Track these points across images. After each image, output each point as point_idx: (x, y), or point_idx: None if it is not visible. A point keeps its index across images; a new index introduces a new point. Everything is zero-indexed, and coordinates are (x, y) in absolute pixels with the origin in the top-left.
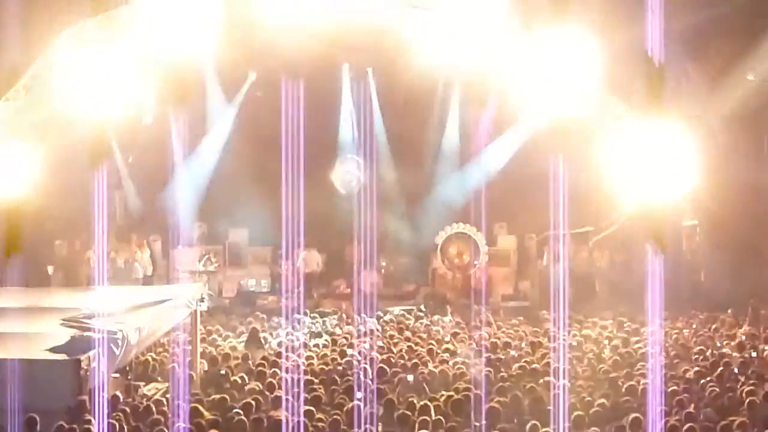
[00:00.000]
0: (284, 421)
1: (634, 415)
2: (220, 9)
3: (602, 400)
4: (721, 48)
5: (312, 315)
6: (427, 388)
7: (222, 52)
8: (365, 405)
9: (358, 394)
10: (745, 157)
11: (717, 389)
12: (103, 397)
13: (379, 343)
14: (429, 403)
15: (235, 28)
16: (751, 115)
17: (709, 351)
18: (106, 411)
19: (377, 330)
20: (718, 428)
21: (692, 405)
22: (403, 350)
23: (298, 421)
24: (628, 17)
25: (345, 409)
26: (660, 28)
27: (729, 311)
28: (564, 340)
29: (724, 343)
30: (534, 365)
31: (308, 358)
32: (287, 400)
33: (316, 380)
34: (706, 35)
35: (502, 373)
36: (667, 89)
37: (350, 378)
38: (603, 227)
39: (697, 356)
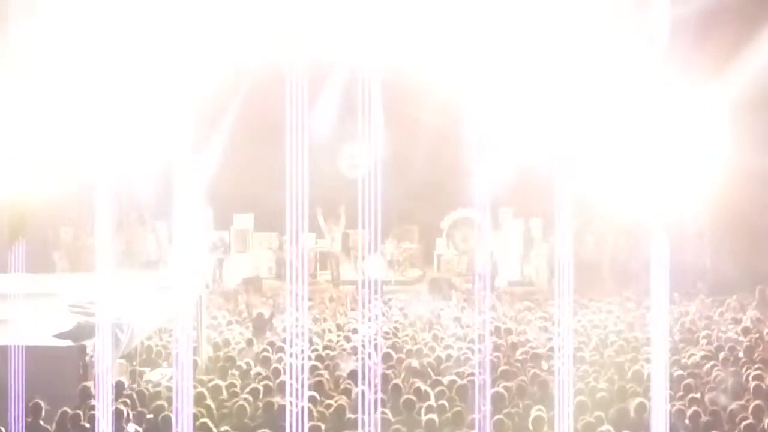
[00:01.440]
0: (288, 406)
1: (639, 399)
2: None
3: (607, 385)
4: (728, 33)
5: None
6: (432, 373)
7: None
8: (370, 390)
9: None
10: (751, 143)
11: (722, 374)
12: (107, 382)
13: (385, 328)
14: (431, 390)
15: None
16: (758, 100)
17: (715, 335)
18: (110, 396)
19: (383, 315)
20: (725, 413)
21: (698, 390)
22: (408, 335)
23: (303, 407)
24: (633, 6)
25: (350, 394)
26: (663, 16)
27: (734, 296)
28: (569, 324)
29: (730, 327)
30: (539, 350)
31: (314, 343)
32: (291, 385)
33: (321, 365)
34: (712, 21)
35: (507, 358)
36: (673, 76)
37: (355, 363)
38: (606, 212)
39: (702, 341)
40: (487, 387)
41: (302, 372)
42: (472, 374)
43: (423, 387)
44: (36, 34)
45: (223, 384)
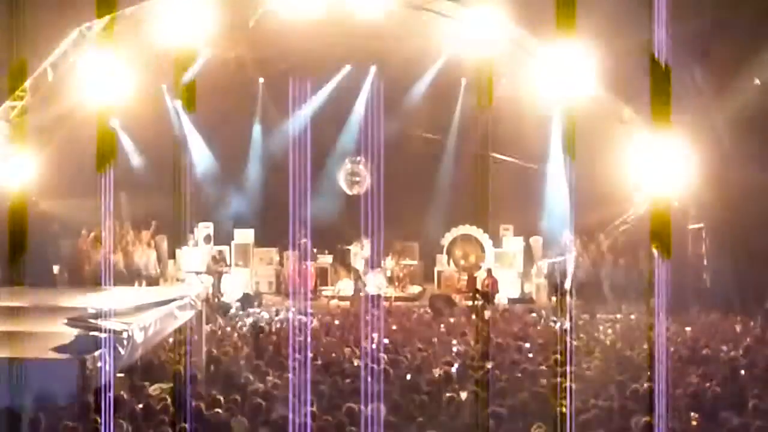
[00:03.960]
0: (291, 421)
1: (641, 418)
2: (225, 12)
3: (607, 403)
4: (727, 52)
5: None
6: (431, 390)
7: (229, 54)
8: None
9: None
10: (751, 161)
11: (722, 393)
12: (108, 396)
13: (386, 340)
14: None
15: (241, 30)
16: (757, 118)
17: (716, 354)
18: (111, 411)
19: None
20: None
21: (698, 408)
22: (408, 351)
23: (304, 422)
24: (634, 21)
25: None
26: (666, 32)
27: (736, 315)
28: (570, 342)
29: (731, 345)
30: (540, 367)
31: (314, 359)
32: (292, 399)
33: (321, 381)
34: (712, 39)
35: (507, 375)
36: (674, 93)
37: (354, 380)
38: (609, 228)
39: (702, 360)
40: (487, 404)
41: (305, 386)
42: (473, 391)
43: (423, 402)
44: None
45: (222, 398)
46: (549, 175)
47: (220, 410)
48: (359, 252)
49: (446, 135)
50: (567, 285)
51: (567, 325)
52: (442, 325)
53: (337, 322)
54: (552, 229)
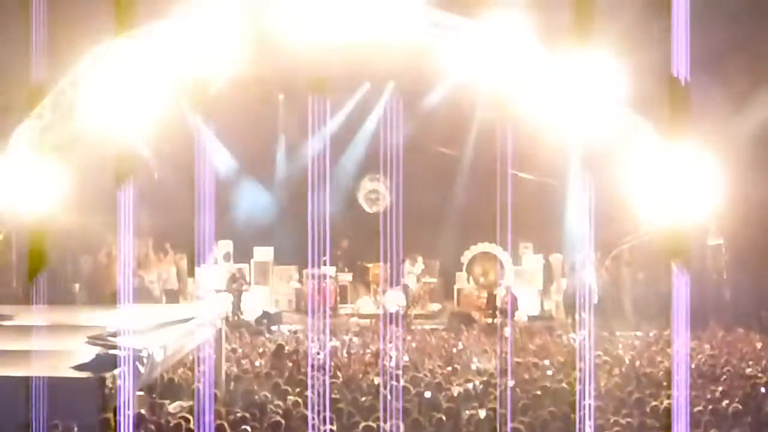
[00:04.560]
0: None
1: None
2: (247, 28)
3: (627, 420)
4: (746, 67)
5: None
6: (452, 407)
7: (249, 71)
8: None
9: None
10: None
11: (743, 409)
12: (128, 415)
13: (405, 357)
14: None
15: (262, 46)
16: None
17: (736, 371)
18: (131, 429)
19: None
20: None
21: (718, 426)
22: (428, 369)
23: None
24: (653, 37)
25: (370, 428)
26: (686, 48)
27: (756, 333)
28: (590, 359)
29: (750, 363)
30: (560, 384)
31: (333, 376)
32: (312, 418)
33: (341, 399)
34: (730, 55)
35: (527, 393)
36: (692, 109)
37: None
38: (627, 245)
39: (722, 376)
40: (508, 422)
41: (324, 404)
42: (492, 409)
43: (442, 420)
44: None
45: (241, 416)
46: (567, 191)
47: (240, 428)
48: (412, 270)
49: (464, 151)
50: (592, 300)
51: (587, 342)
52: (461, 343)
53: (356, 339)
54: (571, 245)
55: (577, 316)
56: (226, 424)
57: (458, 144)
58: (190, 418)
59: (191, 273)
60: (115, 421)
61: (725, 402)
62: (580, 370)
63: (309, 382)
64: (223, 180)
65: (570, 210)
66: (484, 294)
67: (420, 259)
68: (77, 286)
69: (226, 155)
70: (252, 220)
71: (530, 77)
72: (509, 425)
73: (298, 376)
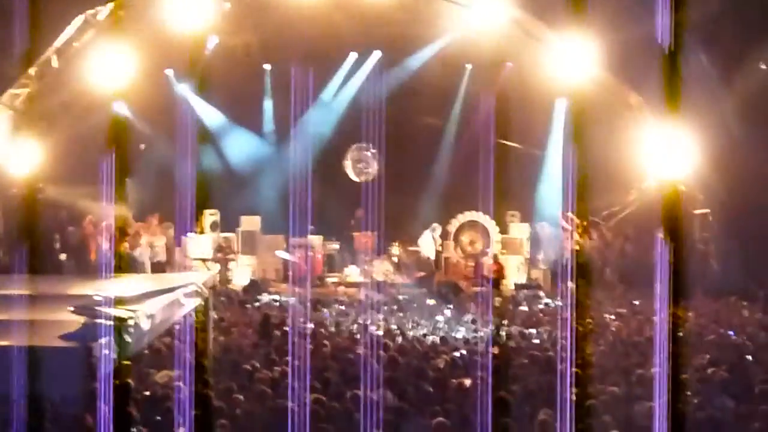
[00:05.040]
0: (290, 409)
1: (644, 404)
2: None
3: (613, 389)
4: (735, 37)
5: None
6: (438, 377)
7: (235, 40)
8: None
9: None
10: (757, 147)
11: (729, 378)
12: (114, 384)
13: (393, 326)
14: (438, 393)
15: (248, 15)
16: (764, 104)
17: (722, 340)
18: (117, 398)
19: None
20: (732, 417)
21: (704, 394)
22: (415, 338)
23: (307, 411)
24: (643, 7)
25: (356, 397)
26: (671, 18)
27: (742, 301)
28: (576, 328)
29: (737, 331)
30: (547, 353)
31: (321, 346)
32: (293, 389)
33: (327, 368)
34: (719, 24)
35: (513, 362)
36: (681, 79)
37: (360, 366)
38: (613, 213)
39: (709, 345)
40: (493, 390)
41: (305, 374)
42: (479, 378)
43: (430, 390)
44: None
45: (228, 386)
46: (553, 160)
47: (227, 398)
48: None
49: (451, 121)
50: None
51: (570, 310)
52: (448, 312)
53: (343, 308)
54: (555, 214)
55: (561, 285)
56: (212, 394)
57: (444, 113)
58: (182, 386)
59: (178, 242)
60: (102, 391)
61: (711, 370)
62: (564, 338)
63: (294, 351)
64: (210, 147)
65: (554, 179)
66: (471, 263)
67: (438, 227)
68: (64, 256)
69: (214, 113)
70: (239, 190)
71: (518, 46)
72: (496, 394)
73: (286, 346)
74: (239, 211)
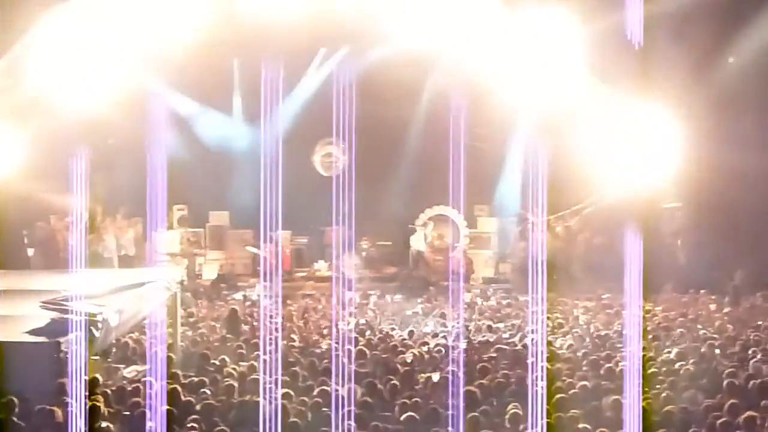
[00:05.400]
0: (261, 404)
1: (613, 397)
2: None
3: (582, 382)
4: (704, 31)
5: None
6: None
7: (203, 36)
8: (344, 387)
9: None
10: (726, 140)
11: (697, 371)
12: (82, 379)
13: (362, 320)
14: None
15: (217, 11)
16: (732, 98)
17: (690, 333)
18: (85, 393)
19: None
20: (700, 410)
21: (673, 387)
22: (383, 333)
23: (277, 405)
24: (613, 1)
25: (325, 392)
26: (640, 12)
27: (711, 294)
28: (545, 322)
29: (705, 324)
30: (515, 347)
31: (290, 339)
32: (265, 382)
33: (296, 363)
34: (688, 18)
35: (482, 355)
36: (650, 72)
37: (330, 361)
38: (582, 208)
39: (677, 338)
40: (463, 384)
41: (276, 368)
42: (448, 371)
43: (398, 384)
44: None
45: (197, 380)
46: (521, 155)
47: (195, 392)
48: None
49: (419, 115)
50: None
51: (539, 305)
52: (417, 306)
53: (312, 303)
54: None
55: (531, 280)
56: (180, 389)
57: (414, 108)
58: (152, 381)
59: (146, 237)
60: (71, 386)
61: (679, 364)
62: (533, 332)
63: (263, 346)
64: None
65: (523, 173)
66: (440, 257)
67: (431, 224)
68: (32, 251)
69: (186, 100)
70: (207, 185)
71: (487, 40)
72: (465, 387)
73: (254, 340)
74: (208, 206)
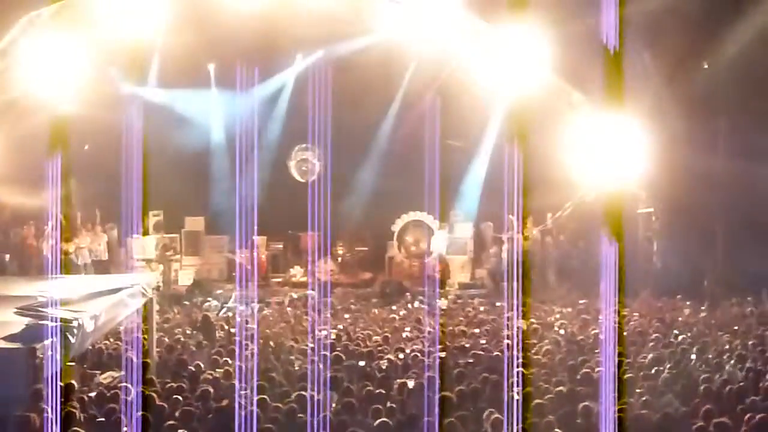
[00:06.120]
0: (237, 409)
1: (588, 402)
2: None
3: (558, 388)
4: (678, 36)
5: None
6: (383, 376)
7: (179, 41)
8: (318, 393)
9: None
10: (699, 145)
11: (673, 376)
12: (58, 385)
13: (340, 326)
14: (382, 393)
15: (191, 15)
16: (705, 103)
17: (666, 338)
18: (61, 400)
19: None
20: (675, 415)
21: (648, 392)
22: (359, 338)
23: (251, 410)
24: (585, 6)
25: (300, 398)
26: (615, 17)
27: (685, 300)
28: (521, 327)
29: (681, 329)
30: (492, 353)
31: (265, 345)
32: (242, 388)
33: (271, 369)
34: (662, 23)
35: (459, 361)
36: (624, 78)
37: (305, 366)
38: (557, 212)
39: (653, 343)
40: (438, 390)
41: (252, 375)
42: (425, 377)
43: (374, 390)
44: None
45: (173, 386)
46: (494, 159)
47: (171, 398)
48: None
49: (395, 120)
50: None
51: (515, 310)
52: (394, 312)
53: (288, 309)
54: (496, 213)
55: (506, 284)
56: (155, 395)
57: (386, 111)
58: (129, 386)
59: (122, 243)
60: (46, 392)
61: (655, 369)
62: (509, 337)
63: (238, 351)
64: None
65: (496, 178)
66: (416, 262)
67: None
68: (7, 256)
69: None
70: (183, 191)
71: (462, 44)
72: (441, 393)
73: (230, 346)
74: (184, 211)
